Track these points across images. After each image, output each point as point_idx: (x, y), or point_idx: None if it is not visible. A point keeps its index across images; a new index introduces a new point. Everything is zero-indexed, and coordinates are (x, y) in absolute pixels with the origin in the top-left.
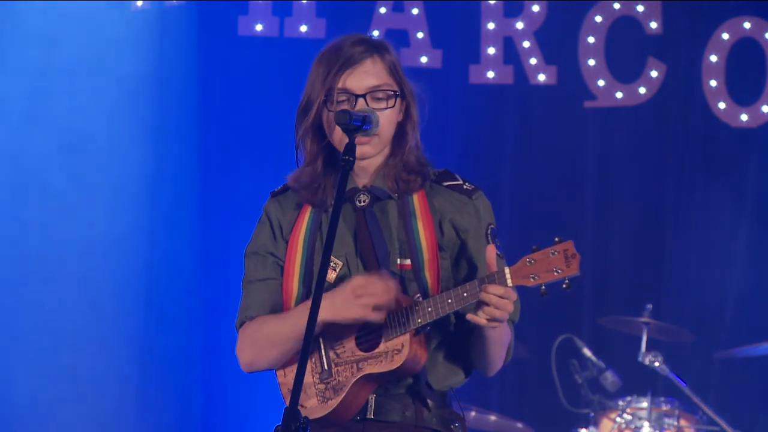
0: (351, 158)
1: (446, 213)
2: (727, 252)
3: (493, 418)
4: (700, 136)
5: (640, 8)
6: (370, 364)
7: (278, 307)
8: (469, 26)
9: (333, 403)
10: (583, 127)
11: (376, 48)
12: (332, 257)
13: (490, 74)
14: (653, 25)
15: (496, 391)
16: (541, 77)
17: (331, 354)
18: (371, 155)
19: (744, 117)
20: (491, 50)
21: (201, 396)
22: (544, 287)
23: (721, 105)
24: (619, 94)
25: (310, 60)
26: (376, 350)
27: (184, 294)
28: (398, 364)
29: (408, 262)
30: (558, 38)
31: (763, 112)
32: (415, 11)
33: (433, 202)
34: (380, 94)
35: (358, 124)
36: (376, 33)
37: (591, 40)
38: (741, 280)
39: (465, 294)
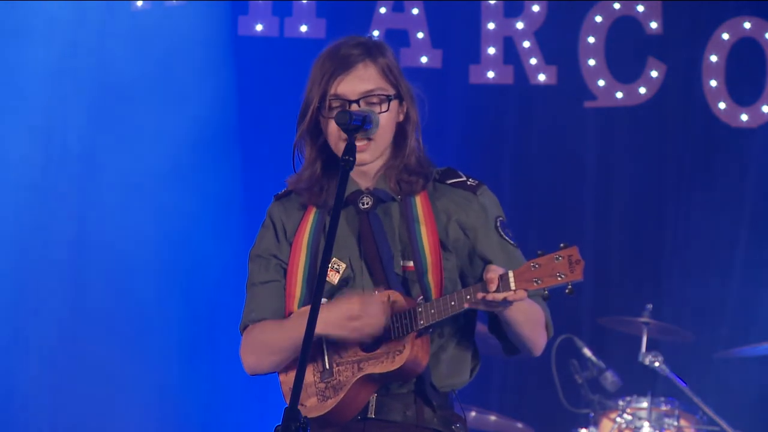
0: (351, 158)
1: (452, 213)
2: (727, 252)
3: (493, 418)
4: (700, 136)
5: (640, 8)
6: (371, 365)
7: (281, 310)
8: (469, 26)
9: (332, 402)
10: (583, 127)
11: (369, 51)
12: (336, 259)
13: (490, 74)
14: (653, 25)
15: (496, 391)
16: (541, 77)
17: (333, 354)
18: (369, 161)
19: (744, 117)
20: (491, 50)
21: (201, 396)
22: (546, 291)
23: (721, 105)
24: (619, 94)
25: (310, 60)
26: (378, 350)
27: (184, 294)
28: (399, 365)
29: (411, 264)
30: (558, 38)
31: (763, 112)
32: (415, 11)
33: (436, 204)
34: (374, 99)
35: (359, 124)
36: (376, 33)
37: (591, 40)
38: (741, 280)
39: (468, 297)
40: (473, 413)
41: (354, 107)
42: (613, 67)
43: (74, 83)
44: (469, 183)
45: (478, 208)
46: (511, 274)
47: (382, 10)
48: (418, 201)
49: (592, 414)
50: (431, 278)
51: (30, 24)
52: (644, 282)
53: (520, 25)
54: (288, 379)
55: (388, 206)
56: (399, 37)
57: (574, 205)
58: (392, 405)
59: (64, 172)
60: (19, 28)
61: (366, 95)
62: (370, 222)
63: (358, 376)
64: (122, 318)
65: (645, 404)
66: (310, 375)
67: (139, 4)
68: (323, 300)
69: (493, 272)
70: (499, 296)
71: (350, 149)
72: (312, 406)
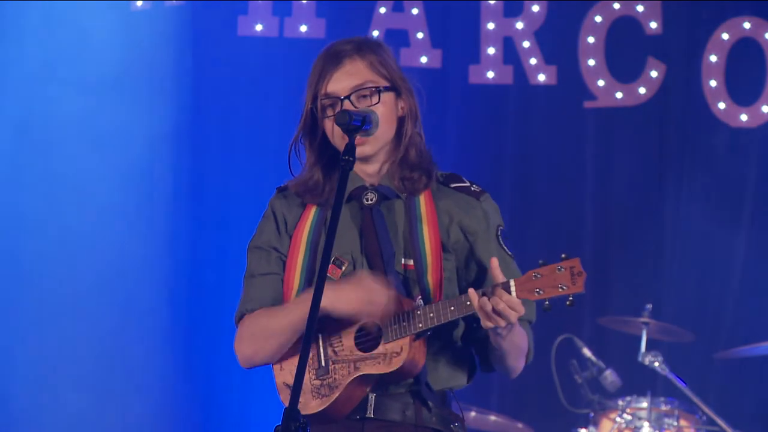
0: (351, 158)
1: (454, 215)
2: (726, 252)
3: (493, 418)
4: (700, 136)
5: (640, 8)
6: (367, 365)
7: (279, 302)
8: (469, 26)
9: (327, 401)
10: (583, 127)
11: (355, 48)
12: (339, 256)
13: (490, 74)
14: (653, 25)
15: (496, 391)
16: (541, 77)
17: (329, 351)
18: (369, 154)
19: (744, 117)
20: (491, 50)
21: (201, 396)
22: (547, 302)
23: (721, 105)
24: (619, 94)
25: (310, 60)
26: (375, 351)
27: (184, 293)
28: (396, 367)
29: (412, 262)
30: (558, 38)
31: (763, 112)
32: (415, 11)
33: (439, 204)
34: (365, 92)
35: (358, 124)
36: (375, 33)
37: (591, 40)
38: (741, 280)
39: (468, 303)
40: (473, 413)
41: (346, 103)
42: (612, 67)
43: (74, 83)
44: (472, 189)
45: (481, 214)
46: (512, 282)
47: (382, 10)
48: (422, 200)
49: (592, 414)
50: (431, 278)
51: (30, 24)
52: (644, 282)
53: (519, 25)
54: (283, 373)
55: (392, 203)
56: (399, 37)
57: (574, 205)
58: (391, 405)
59: (63, 172)
60: (19, 27)
61: (356, 90)
62: (373, 218)
63: (354, 376)
64: (122, 318)
65: (645, 404)
66: (305, 372)
67: (139, 4)
68: None
69: (495, 278)
70: (500, 304)
71: (350, 149)
72: (307, 403)
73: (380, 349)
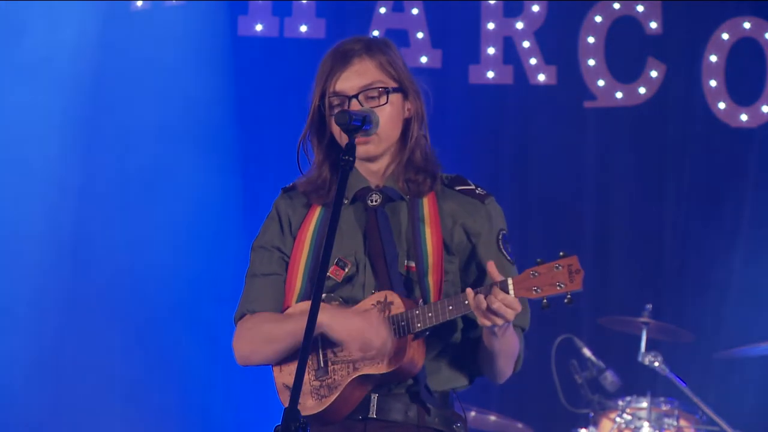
0: (351, 158)
1: (458, 217)
2: (726, 252)
3: (493, 418)
4: (700, 136)
5: (640, 8)
6: (366, 365)
7: (280, 303)
8: (469, 26)
9: (327, 401)
10: (583, 127)
11: (365, 47)
12: (343, 257)
13: (490, 74)
14: (653, 25)
15: (496, 391)
16: (541, 77)
17: (329, 352)
18: (374, 154)
19: (744, 117)
20: (491, 50)
21: (201, 396)
22: (546, 300)
23: (721, 105)
24: (619, 94)
25: (310, 60)
26: None
27: (183, 293)
28: (395, 367)
29: (414, 264)
30: (558, 38)
31: (763, 112)
32: (415, 11)
33: (443, 206)
34: (373, 92)
35: (358, 124)
36: (376, 33)
37: (591, 40)
38: (741, 280)
39: (466, 302)
40: (473, 413)
41: (354, 103)
42: (612, 67)
43: (74, 83)
44: (477, 192)
45: (485, 216)
46: (510, 281)
47: (382, 10)
48: (426, 202)
49: (592, 414)
50: (431, 280)
51: (30, 24)
52: (644, 282)
53: (519, 25)
54: (282, 374)
55: (396, 205)
56: (399, 37)
57: (574, 205)
58: (393, 405)
59: (63, 172)
60: (19, 27)
61: (364, 89)
62: (377, 219)
63: (353, 376)
64: (121, 318)
65: (645, 404)
66: (305, 373)
67: (139, 4)
68: (324, 294)
69: (493, 278)
70: (496, 303)
71: (350, 149)
72: (306, 404)
73: None
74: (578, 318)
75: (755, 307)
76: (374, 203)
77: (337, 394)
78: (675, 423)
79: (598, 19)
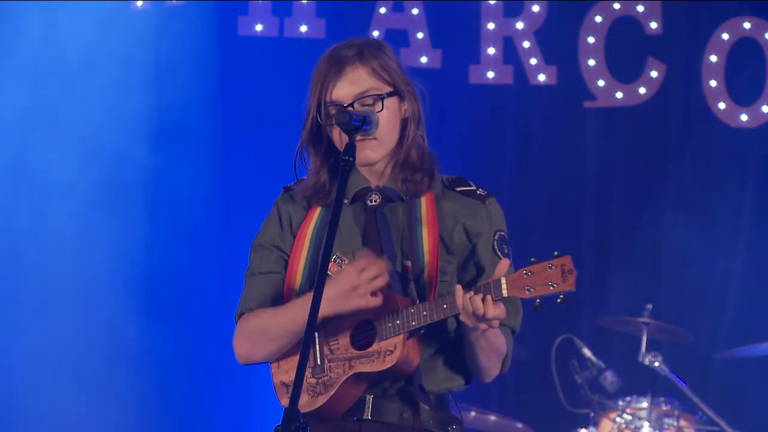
0: (351, 158)
1: (459, 217)
2: (726, 252)
3: (492, 418)
4: (700, 136)
5: (640, 8)
6: (362, 363)
7: (279, 302)
8: (469, 26)
9: (323, 399)
10: (583, 127)
11: (357, 54)
12: (340, 254)
13: (490, 74)
14: (653, 25)
15: (496, 391)
16: (541, 77)
17: (326, 349)
18: (374, 160)
19: (744, 117)
20: (491, 50)
21: (201, 396)
22: (539, 300)
23: (721, 105)
24: (619, 95)
25: (310, 60)
26: (369, 349)
27: (183, 293)
28: (389, 365)
29: (410, 263)
30: (558, 38)
31: (763, 112)
32: (415, 11)
33: (444, 207)
34: (367, 100)
35: (358, 124)
36: (376, 33)
37: (591, 40)
38: (741, 280)
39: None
40: (473, 413)
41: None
42: (612, 67)
43: (74, 83)
44: (478, 192)
45: (485, 216)
46: (503, 280)
47: (382, 10)
48: (424, 202)
49: (592, 414)
50: (426, 280)
51: (30, 24)
52: (644, 282)
53: (520, 25)
54: (279, 372)
55: (396, 205)
56: (399, 37)
57: (574, 205)
58: (389, 406)
59: (63, 172)
60: (19, 28)
61: (359, 97)
62: (376, 219)
63: (349, 374)
64: (121, 317)
65: (645, 404)
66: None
67: (139, 4)
68: None
69: (486, 277)
70: (489, 305)
71: (350, 149)
72: (303, 401)
73: (374, 347)
74: (578, 318)
75: (755, 307)
76: (374, 203)
77: (333, 392)
78: (675, 423)
79: (598, 19)
